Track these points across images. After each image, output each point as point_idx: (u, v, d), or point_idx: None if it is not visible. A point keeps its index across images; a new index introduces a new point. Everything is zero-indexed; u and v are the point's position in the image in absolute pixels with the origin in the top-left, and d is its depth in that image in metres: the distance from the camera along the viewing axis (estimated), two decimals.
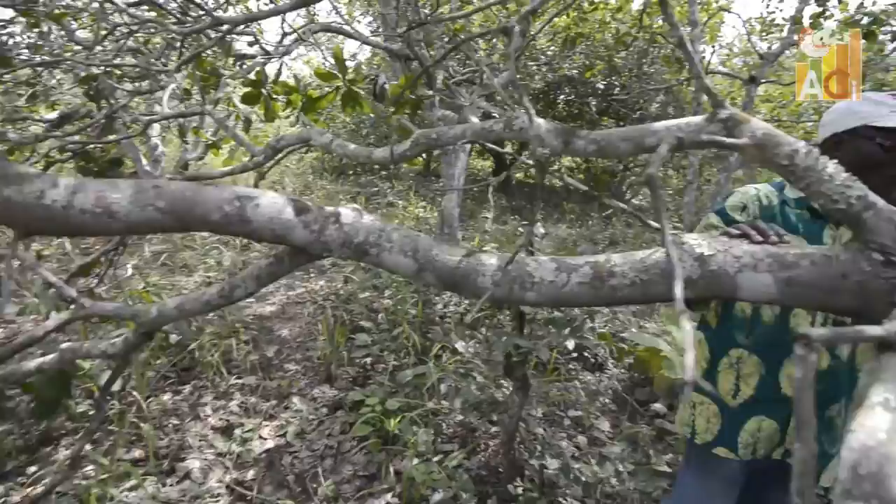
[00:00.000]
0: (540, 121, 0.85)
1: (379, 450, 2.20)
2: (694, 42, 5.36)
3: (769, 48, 6.07)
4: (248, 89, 1.88)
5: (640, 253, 0.77)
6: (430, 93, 2.43)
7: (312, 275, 4.59)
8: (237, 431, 2.34)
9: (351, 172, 9.62)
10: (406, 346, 2.86)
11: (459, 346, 2.81)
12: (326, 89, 1.73)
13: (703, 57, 5.24)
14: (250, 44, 2.83)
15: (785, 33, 5.33)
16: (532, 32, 3.88)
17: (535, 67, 7.75)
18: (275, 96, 1.84)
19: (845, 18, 3.95)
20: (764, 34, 6.82)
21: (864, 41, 3.24)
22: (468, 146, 4.46)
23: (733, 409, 1.29)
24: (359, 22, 8.66)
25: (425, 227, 6.02)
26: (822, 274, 0.64)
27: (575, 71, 8.21)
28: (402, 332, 2.90)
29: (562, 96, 9.40)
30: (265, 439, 2.36)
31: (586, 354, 3.23)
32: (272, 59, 2.62)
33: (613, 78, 8.72)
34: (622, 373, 3.20)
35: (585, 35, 6.98)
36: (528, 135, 0.86)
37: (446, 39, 3.62)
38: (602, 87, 8.81)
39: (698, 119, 0.69)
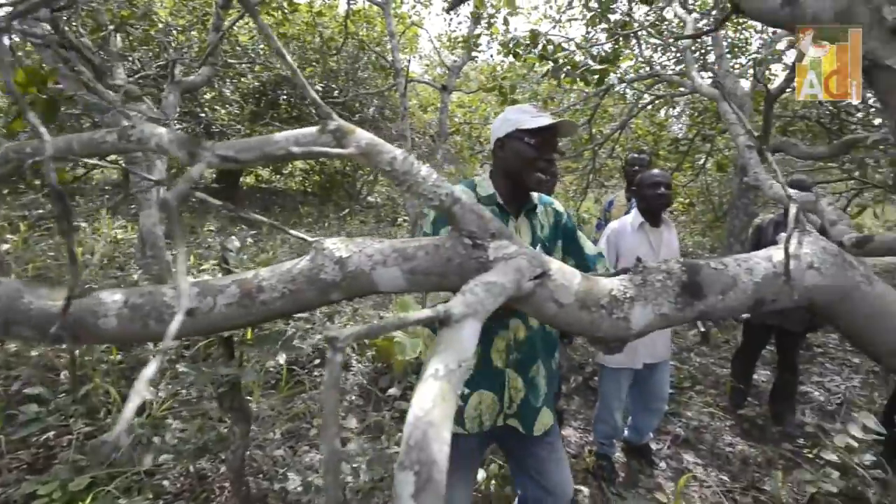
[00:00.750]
0: (161, 131, 0.75)
1: None
2: (394, 51, 5.89)
3: (455, 61, 7.15)
4: None
5: (287, 264, 0.76)
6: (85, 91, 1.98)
7: None
8: None
9: (7, 191, 7.31)
10: (104, 404, 2.32)
11: (140, 393, 2.42)
12: None
13: (405, 65, 5.79)
14: None
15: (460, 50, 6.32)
16: (229, 28, 3.59)
17: (245, 66, 7.28)
18: None
19: (503, 41, 4.92)
20: (451, 49, 8.01)
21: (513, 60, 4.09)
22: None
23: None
24: None
25: (129, 249, 5.03)
26: (435, 260, 0.74)
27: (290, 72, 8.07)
28: (94, 388, 2.33)
29: (283, 97, 9.15)
30: None
31: None
32: None
33: (331, 82, 8.92)
34: (366, 367, 3.33)
35: (292, 36, 6.91)
36: (148, 145, 0.75)
37: (112, 27, 3.04)
38: (320, 89, 8.93)
39: (312, 130, 0.71)
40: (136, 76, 4.17)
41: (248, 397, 2.56)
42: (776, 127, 7.14)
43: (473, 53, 6.28)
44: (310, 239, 0.76)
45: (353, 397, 3.00)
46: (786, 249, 0.74)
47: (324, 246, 0.75)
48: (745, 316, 3.19)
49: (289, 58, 0.65)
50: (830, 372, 4.27)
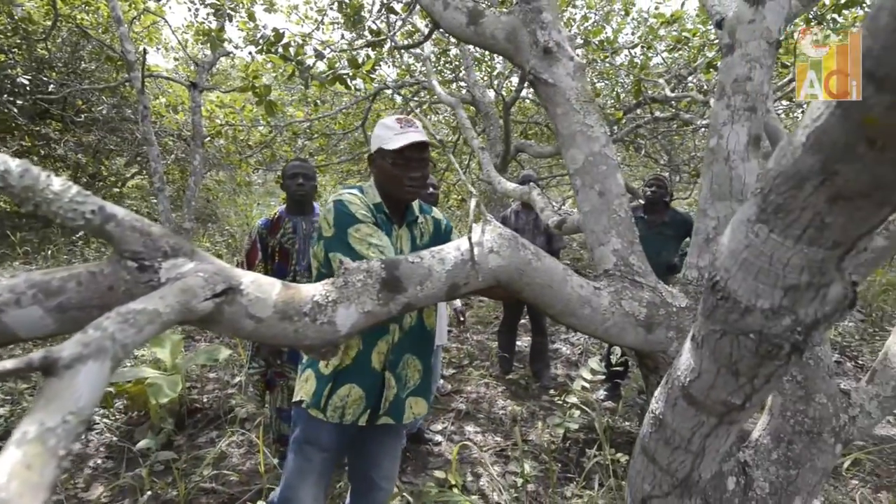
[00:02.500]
0: None
1: None
2: (123, 41, 5.00)
3: (205, 56, 6.45)
4: None
5: None
6: None
7: None
8: None
9: None
10: None
11: None
12: None
13: (139, 58, 4.97)
14: None
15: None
16: None
17: None
18: None
19: (250, 38, 4.60)
20: (203, 42, 7.17)
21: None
22: None
23: (329, 375, 1.42)
24: None
25: None
26: (92, 291, 0.61)
27: None
28: None
29: None
30: None
31: None
32: None
33: (42, 73, 7.13)
34: (115, 420, 2.75)
35: None
36: None
37: None
38: (27, 82, 7.05)
39: None
40: None
41: None
42: (518, 131, 8.45)
43: (227, 48, 5.76)
44: None
45: (100, 460, 2.46)
46: (469, 238, 0.83)
47: None
48: None
49: None
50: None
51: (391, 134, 1.39)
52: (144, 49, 5.07)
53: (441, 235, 1.59)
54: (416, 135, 1.38)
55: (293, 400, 1.52)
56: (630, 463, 0.93)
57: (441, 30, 1.36)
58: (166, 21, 5.67)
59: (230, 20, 3.71)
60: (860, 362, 4.53)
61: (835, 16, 4.44)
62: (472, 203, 0.87)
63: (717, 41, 4.90)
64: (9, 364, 0.38)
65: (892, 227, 1.13)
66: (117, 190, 9.27)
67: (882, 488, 2.59)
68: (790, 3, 1.11)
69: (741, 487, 1.09)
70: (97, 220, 0.60)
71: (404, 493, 2.14)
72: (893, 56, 0.36)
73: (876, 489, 2.59)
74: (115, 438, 2.56)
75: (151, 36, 7.27)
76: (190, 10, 6.48)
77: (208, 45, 5.83)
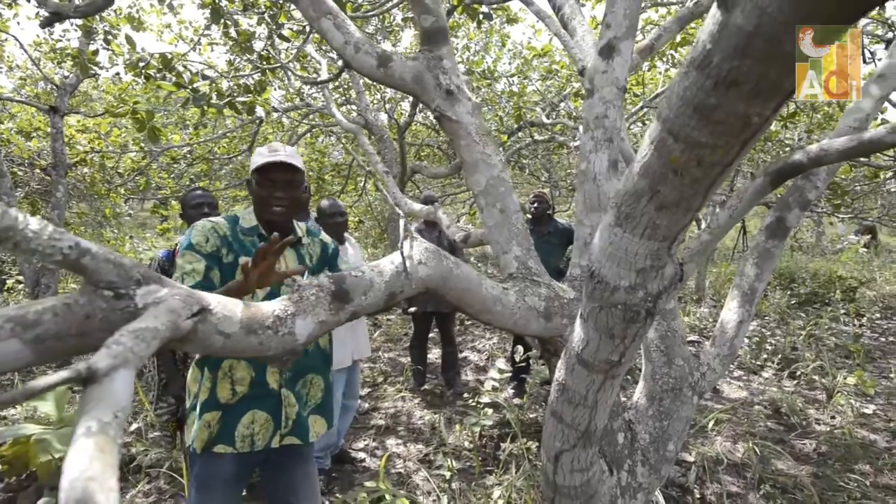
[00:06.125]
0: None
1: None
2: None
3: (66, 77, 5.85)
4: None
5: None
6: None
7: None
8: None
9: None
10: None
11: None
12: None
13: None
14: None
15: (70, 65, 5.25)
16: None
17: None
18: None
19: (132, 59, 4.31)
20: (58, 62, 6.47)
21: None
22: None
23: (230, 407, 1.43)
24: None
25: None
26: (68, 321, 0.66)
27: None
28: None
29: None
30: None
31: None
32: None
33: None
34: None
35: None
36: None
37: None
38: None
39: None
40: None
41: None
42: (411, 153, 8.75)
43: (92, 71, 5.32)
44: None
45: None
46: (401, 252, 0.98)
47: None
48: (411, 310, 3.83)
49: None
50: (478, 337, 5.55)
51: (259, 158, 1.48)
52: None
53: (328, 258, 1.67)
54: (282, 156, 1.46)
55: (186, 445, 1.50)
56: (543, 429, 1.13)
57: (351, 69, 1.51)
58: (16, 38, 5.07)
59: (108, 44, 3.47)
60: None
61: (673, 52, 5.34)
62: (402, 223, 1.02)
63: None
64: (64, 374, 0.45)
65: (713, 225, 1.49)
66: None
67: (738, 439, 3.16)
68: (632, 56, 1.44)
69: (628, 440, 1.35)
70: (73, 254, 0.65)
71: None
72: (680, 121, 0.59)
73: (734, 440, 3.15)
74: None
75: None
76: (44, 27, 5.84)
77: (72, 66, 5.31)
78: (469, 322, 6.03)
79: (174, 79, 2.48)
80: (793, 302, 6.51)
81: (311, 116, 7.24)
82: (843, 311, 5.97)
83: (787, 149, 5.03)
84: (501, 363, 3.57)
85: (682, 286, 0.84)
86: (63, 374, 0.46)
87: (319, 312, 0.85)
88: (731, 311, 1.59)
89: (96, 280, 0.68)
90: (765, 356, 4.63)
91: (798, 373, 4.22)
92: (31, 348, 0.64)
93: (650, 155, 0.65)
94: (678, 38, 4.70)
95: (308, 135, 8.00)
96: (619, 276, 0.78)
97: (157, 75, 2.90)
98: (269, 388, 1.47)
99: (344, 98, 7.66)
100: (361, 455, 2.96)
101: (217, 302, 0.76)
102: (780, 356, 4.58)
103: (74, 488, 0.39)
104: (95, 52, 3.40)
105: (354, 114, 7.40)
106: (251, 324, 0.79)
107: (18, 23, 5.61)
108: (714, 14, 0.53)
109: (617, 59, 1.34)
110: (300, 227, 1.62)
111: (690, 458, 2.84)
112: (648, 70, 5.78)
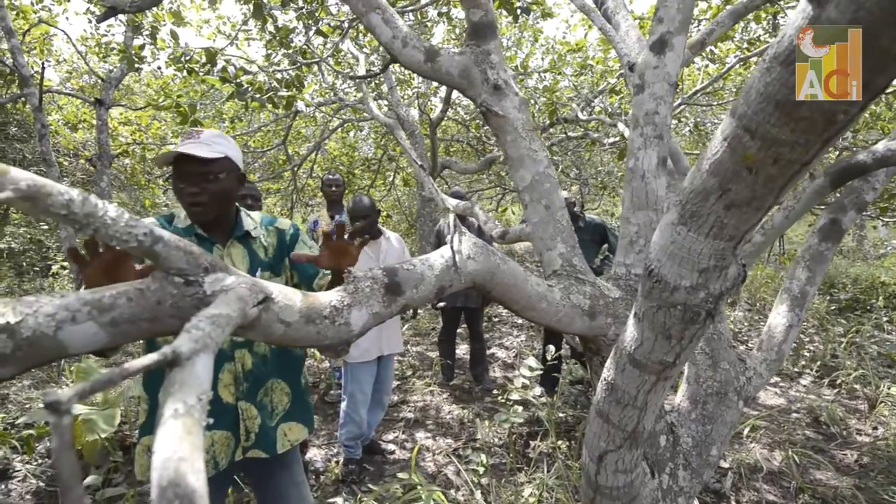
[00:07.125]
0: None
1: None
2: (16, 54, 4.63)
3: (111, 71, 6.05)
4: None
5: None
6: None
7: None
8: None
9: None
10: None
11: None
12: None
13: (35, 72, 4.60)
14: None
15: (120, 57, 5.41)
16: None
17: None
18: None
19: (173, 56, 4.44)
20: (103, 56, 6.70)
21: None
22: None
23: None
24: None
25: None
26: (141, 306, 0.68)
27: None
28: None
29: None
30: None
31: None
32: None
33: None
34: (39, 465, 2.53)
35: None
36: None
37: None
38: None
39: None
40: None
41: None
42: (441, 149, 8.76)
43: (137, 65, 5.51)
44: None
45: None
46: (451, 247, 0.98)
47: None
48: (440, 305, 3.84)
49: None
50: (506, 334, 5.54)
51: (173, 148, 1.27)
52: (43, 63, 4.69)
53: (286, 246, 1.48)
54: (187, 146, 1.23)
55: (138, 479, 1.41)
56: (587, 428, 1.12)
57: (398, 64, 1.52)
58: (65, 33, 5.27)
59: (153, 39, 3.58)
60: (749, 346, 5.22)
61: (712, 48, 5.20)
62: (451, 218, 1.02)
63: (616, 68, 5.50)
64: (153, 356, 0.47)
65: (767, 226, 1.45)
66: None
67: (775, 446, 3.06)
68: (684, 52, 1.40)
69: (670, 443, 1.33)
70: (148, 241, 0.68)
71: (372, 500, 2.21)
72: (759, 117, 0.57)
73: (770, 448, 3.06)
74: (41, 484, 2.37)
75: (41, 47, 6.66)
76: (90, 21, 6.06)
77: (118, 59, 5.49)
78: (497, 319, 6.02)
79: (220, 74, 2.54)
80: (833, 308, 6.26)
81: (342, 111, 7.32)
82: (885, 319, 5.72)
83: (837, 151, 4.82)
84: (532, 361, 3.55)
85: (741, 287, 0.81)
86: (153, 356, 0.47)
87: (373, 304, 0.86)
88: (779, 315, 1.54)
89: (167, 267, 0.70)
90: (803, 363, 4.48)
91: (839, 381, 4.06)
92: (106, 331, 0.67)
93: (722, 151, 0.63)
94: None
95: (339, 129, 8.09)
96: (679, 276, 0.76)
97: (201, 70, 2.97)
98: (223, 404, 1.34)
99: (375, 93, 7.71)
100: (391, 447, 2.99)
101: (278, 291, 0.78)
102: (818, 363, 4.42)
103: (167, 468, 0.40)
104: (141, 47, 3.51)
105: (385, 108, 7.44)
106: (310, 313, 0.80)
107: (67, 18, 5.84)
108: (804, 9, 0.51)
109: (669, 54, 1.31)
110: (250, 219, 1.45)
111: (725, 464, 2.77)
112: (686, 66, 5.64)
